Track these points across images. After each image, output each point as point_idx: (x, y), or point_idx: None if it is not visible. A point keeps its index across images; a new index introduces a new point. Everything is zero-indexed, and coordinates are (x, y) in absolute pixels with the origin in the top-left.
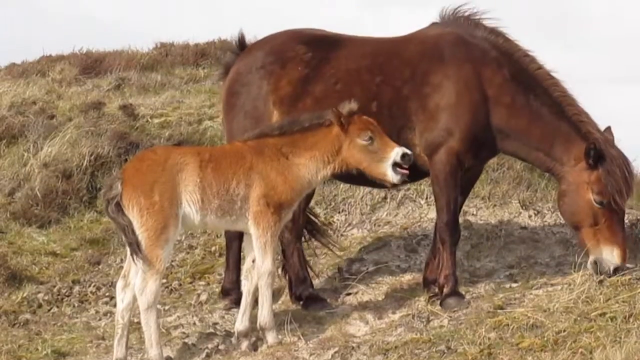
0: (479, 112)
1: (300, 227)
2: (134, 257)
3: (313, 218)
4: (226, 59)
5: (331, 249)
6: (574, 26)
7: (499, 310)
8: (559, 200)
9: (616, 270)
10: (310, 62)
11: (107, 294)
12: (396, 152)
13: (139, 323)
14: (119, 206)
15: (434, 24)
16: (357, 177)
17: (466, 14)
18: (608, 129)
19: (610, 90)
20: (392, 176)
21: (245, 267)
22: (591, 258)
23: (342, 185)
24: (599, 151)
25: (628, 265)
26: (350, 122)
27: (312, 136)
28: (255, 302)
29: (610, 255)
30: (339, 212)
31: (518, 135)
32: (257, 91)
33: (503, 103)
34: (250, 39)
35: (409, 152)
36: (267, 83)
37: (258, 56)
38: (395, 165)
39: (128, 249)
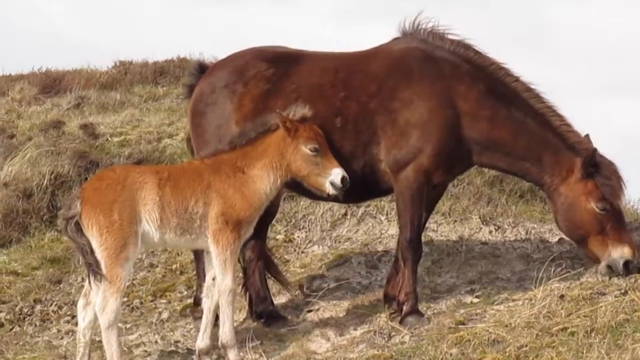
0: (451, 129)
1: (262, 245)
2: (93, 277)
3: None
4: (189, 79)
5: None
6: (548, 39)
7: (460, 326)
8: (558, 217)
9: (627, 263)
10: (272, 78)
11: (68, 312)
12: (337, 173)
13: (100, 342)
14: (78, 226)
15: (396, 38)
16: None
17: (428, 27)
18: (586, 136)
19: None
20: (329, 188)
21: (206, 285)
22: (603, 264)
23: (302, 202)
24: (596, 160)
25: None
26: (299, 128)
27: (260, 144)
28: (216, 319)
29: (621, 253)
30: (300, 229)
31: (501, 147)
32: (221, 111)
33: (483, 117)
34: (209, 57)
35: (347, 177)
36: (231, 102)
37: (221, 76)
38: (332, 183)
39: (86, 270)
